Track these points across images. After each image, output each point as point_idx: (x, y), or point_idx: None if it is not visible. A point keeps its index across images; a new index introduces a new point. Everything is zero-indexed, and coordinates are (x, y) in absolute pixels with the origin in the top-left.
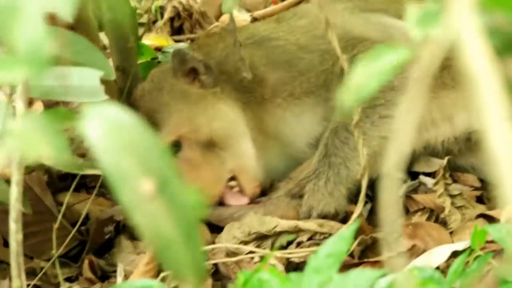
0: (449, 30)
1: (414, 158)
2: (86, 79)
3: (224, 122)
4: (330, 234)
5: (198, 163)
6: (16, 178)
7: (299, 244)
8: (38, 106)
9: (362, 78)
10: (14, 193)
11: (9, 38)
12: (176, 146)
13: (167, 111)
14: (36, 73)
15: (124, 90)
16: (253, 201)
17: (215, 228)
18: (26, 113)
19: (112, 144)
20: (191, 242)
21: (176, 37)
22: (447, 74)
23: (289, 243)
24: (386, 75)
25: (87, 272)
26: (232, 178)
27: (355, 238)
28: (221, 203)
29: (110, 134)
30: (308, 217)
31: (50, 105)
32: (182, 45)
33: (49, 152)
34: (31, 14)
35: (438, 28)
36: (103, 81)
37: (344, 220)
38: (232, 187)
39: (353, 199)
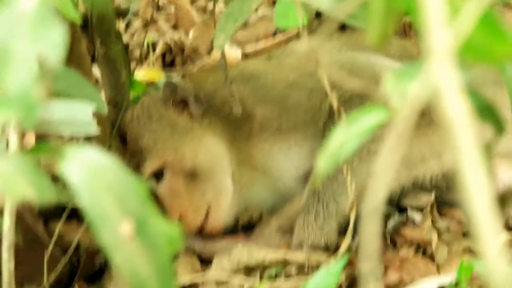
0: (428, 85)
1: (402, 193)
2: (78, 112)
3: (207, 155)
4: (318, 266)
5: (180, 192)
6: (9, 208)
7: (287, 276)
8: (30, 137)
9: (340, 141)
10: (7, 223)
11: (1, 80)
12: (160, 174)
13: (154, 138)
14: (26, 115)
15: (116, 124)
16: (245, 235)
17: (205, 261)
18: (18, 148)
19: (92, 186)
20: (166, 283)
21: (168, 71)
22: (434, 112)
23: (278, 274)
24: (363, 137)
25: None
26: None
27: (343, 271)
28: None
29: (90, 176)
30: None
31: (42, 136)
32: (174, 75)
33: (32, 193)
34: (22, 57)
35: (416, 84)
36: (95, 115)
37: (335, 253)
38: None
39: (343, 232)
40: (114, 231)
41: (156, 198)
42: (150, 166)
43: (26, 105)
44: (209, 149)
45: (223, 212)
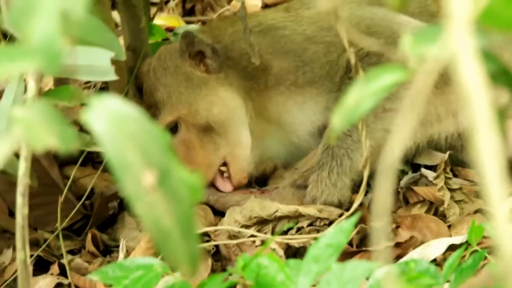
0: (446, 50)
1: (417, 151)
2: (97, 59)
3: (223, 109)
4: (330, 221)
5: (194, 146)
6: (25, 153)
7: (299, 230)
8: (49, 80)
9: (355, 100)
10: (22, 168)
11: (25, 32)
12: (174, 127)
13: (168, 92)
14: (50, 64)
15: (134, 69)
16: (260, 189)
17: (219, 212)
18: (36, 93)
19: (116, 136)
20: (188, 233)
21: (187, 19)
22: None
23: (290, 228)
24: (379, 96)
25: (89, 246)
26: (224, 164)
27: (355, 226)
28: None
29: (114, 125)
30: None
31: (60, 80)
32: (192, 26)
33: (55, 141)
34: (47, 6)
35: (434, 47)
36: (113, 61)
37: (348, 209)
38: (222, 172)
39: (356, 189)
40: (137, 181)
41: None
42: (164, 120)
43: (51, 54)
44: (225, 101)
45: (243, 164)
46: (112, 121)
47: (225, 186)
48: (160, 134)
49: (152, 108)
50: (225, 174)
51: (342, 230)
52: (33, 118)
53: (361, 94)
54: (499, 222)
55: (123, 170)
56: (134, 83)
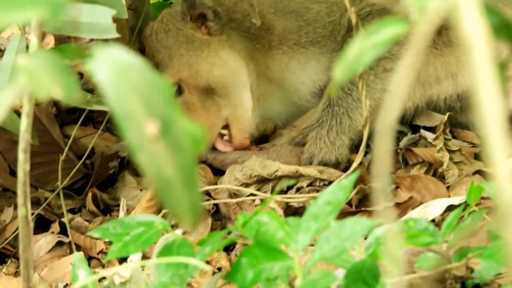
0: (447, 2)
1: (416, 113)
2: (99, 16)
3: (224, 70)
4: (329, 181)
5: (196, 108)
6: (27, 109)
7: (298, 190)
8: (50, 40)
9: (357, 52)
10: (24, 124)
11: None
12: (177, 90)
13: (170, 54)
14: (52, 16)
15: (135, 29)
16: (257, 147)
17: (218, 171)
18: (39, 48)
19: (119, 85)
20: (190, 184)
21: None
22: (452, 32)
23: (289, 188)
24: (380, 48)
25: (90, 205)
26: (225, 127)
27: (354, 187)
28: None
29: (117, 75)
30: (309, 164)
31: (61, 39)
32: None
33: (59, 90)
34: None
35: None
36: (115, 20)
37: (346, 169)
38: (223, 135)
39: (355, 149)
40: (140, 131)
41: None
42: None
43: (53, 4)
44: (227, 63)
45: (245, 125)
46: (116, 71)
47: (225, 148)
48: (164, 84)
49: (154, 67)
50: (225, 137)
51: (341, 188)
52: (37, 67)
53: (363, 46)
54: (500, 181)
55: (126, 120)
56: (136, 45)
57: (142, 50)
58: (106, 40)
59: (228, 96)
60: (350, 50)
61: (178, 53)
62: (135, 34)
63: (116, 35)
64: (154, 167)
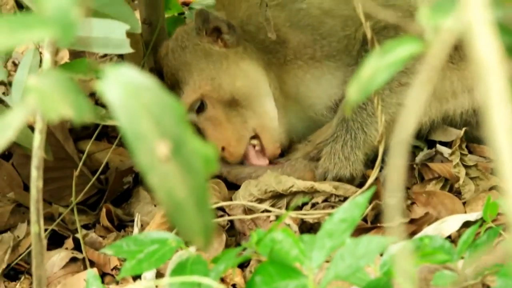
0: (461, 21)
1: (432, 127)
2: (112, 31)
3: (246, 81)
4: (345, 197)
5: (221, 122)
6: (40, 126)
7: (314, 205)
8: (64, 54)
9: (371, 71)
10: (37, 141)
11: (40, 2)
12: (200, 106)
13: (190, 70)
14: (64, 34)
15: (150, 43)
16: (272, 162)
17: (232, 186)
18: (52, 64)
19: (130, 106)
20: (202, 204)
21: None
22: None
23: (304, 203)
24: (395, 68)
25: (104, 220)
26: (254, 137)
27: (370, 202)
28: (240, 162)
29: (128, 95)
30: (323, 179)
31: (76, 53)
32: (208, 1)
33: (69, 110)
34: None
35: (449, 19)
36: (129, 34)
37: (361, 185)
38: (254, 146)
39: (370, 164)
40: (151, 152)
41: (197, 131)
42: (188, 98)
43: (64, 24)
44: (247, 73)
45: (274, 135)
46: (127, 91)
47: (259, 159)
48: (175, 104)
49: (175, 89)
50: (257, 148)
51: (356, 205)
52: (48, 88)
53: (377, 66)
54: (510, 197)
55: (137, 140)
56: (151, 60)
57: (159, 70)
58: (120, 55)
59: (253, 107)
60: (364, 69)
61: (198, 68)
62: (149, 48)
63: (130, 50)
64: (166, 187)
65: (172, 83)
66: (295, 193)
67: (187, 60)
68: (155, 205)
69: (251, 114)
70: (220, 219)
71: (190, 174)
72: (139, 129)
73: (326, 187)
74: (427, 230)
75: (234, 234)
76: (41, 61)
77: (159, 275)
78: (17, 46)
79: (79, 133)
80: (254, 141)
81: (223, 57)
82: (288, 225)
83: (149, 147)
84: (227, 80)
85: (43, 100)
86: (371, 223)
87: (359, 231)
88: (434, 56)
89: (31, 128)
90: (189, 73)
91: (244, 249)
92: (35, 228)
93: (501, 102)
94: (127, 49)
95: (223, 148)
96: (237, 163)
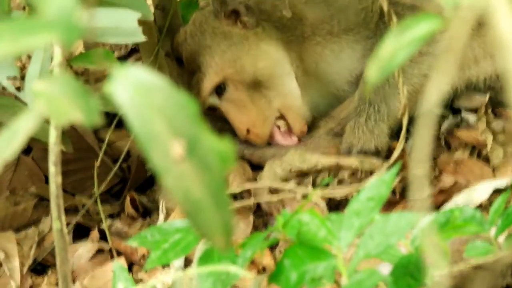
0: None
1: (456, 95)
2: (123, 20)
3: (268, 61)
4: (371, 171)
5: (245, 104)
6: (55, 122)
7: (340, 181)
8: (79, 44)
9: (391, 50)
10: (53, 137)
11: (42, 4)
12: (222, 89)
13: (211, 54)
14: (67, 37)
15: (163, 29)
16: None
17: (257, 167)
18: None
19: (141, 106)
20: (220, 203)
21: None
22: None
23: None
24: (415, 46)
25: (128, 209)
26: (279, 118)
27: (397, 175)
28: (268, 143)
29: (139, 96)
30: (348, 154)
31: (90, 44)
32: None
33: (79, 114)
34: None
35: None
36: (142, 21)
37: (387, 158)
38: (279, 127)
39: (394, 136)
40: (165, 152)
41: (221, 115)
42: (210, 82)
43: (67, 26)
44: (269, 54)
45: (300, 113)
46: (137, 92)
47: (287, 139)
48: (187, 102)
49: (196, 74)
50: (282, 128)
51: (383, 182)
52: (56, 92)
53: (397, 44)
54: None
55: (150, 141)
56: (166, 45)
57: (178, 58)
58: (135, 43)
59: (276, 87)
60: (383, 48)
61: (219, 50)
62: (163, 33)
63: (143, 38)
64: (182, 188)
65: (192, 69)
66: (320, 171)
67: (207, 43)
68: None
69: (274, 94)
70: (246, 202)
71: (207, 172)
72: (152, 130)
73: (352, 162)
74: (457, 200)
75: (261, 215)
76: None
77: (187, 261)
78: (18, 59)
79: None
80: (279, 122)
81: (243, 39)
82: (316, 203)
83: (163, 148)
84: (249, 61)
85: (51, 105)
86: (399, 195)
87: (387, 204)
88: (455, 31)
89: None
90: (210, 56)
91: (272, 231)
92: (57, 224)
93: None
94: (140, 37)
95: (248, 131)
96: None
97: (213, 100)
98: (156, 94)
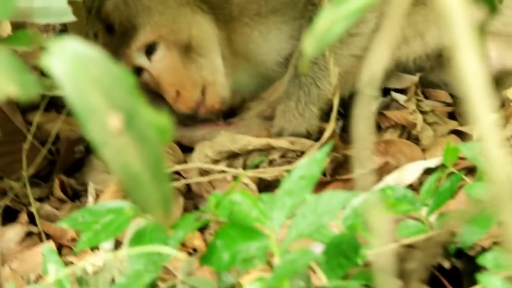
0: None
1: (385, 76)
2: (54, 0)
3: (200, 31)
4: (302, 152)
5: (176, 66)
6: None
7: (271, 162)
8: (6, 27)
9: (327, 23)
10: None
11: None
12: (152, 49)
13: (148, 14)
14: (2, 7)
15: (92, 9)
16: (225, 122)
17: (187, 148)
18: None
19: (78, 79)
20: (159, 176)
21: None
22: None
23: (261, 161)
24: (352, 19)
25: (57, 192)
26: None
27: (328, 155)
28: (191, 124)
29: (75, 69)
30: (279, 138)
31: (18, 25)
32: None
33: (15, 88)
34: None
35: None
36: (71, 2)
37: (318, 139)
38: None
39: (325, 117)
40: (103, 126)
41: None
42: (143, 39)
43: None
44: (201, 25)
45: (220, 89)
46: (73, 65)
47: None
48: (124, 75)
49: (128, 33)
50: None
51: (315, 161)
52: None
53: (332, 17)
54: (485, 141)
55: (87, 115)
56: (95, 26)
57: (109, 26)
58: (64, 24)
59: (206, 57)
60: (319, 22)
61: (157, 11)
62: (92, 14)
63: (73, 18)
64: (120, 161)
65: (125, 30)
66: (250, 152)
67: (145, 4)
68: (108, 173)
69: (204, 63)
70: (176, 183)
71: (145, 145)
72: (89, 103)
73: (282, 143)
74: (388, 180)
75: (191, 197)
76: None
77: (118, 243)
78: None
79: (27, 105)
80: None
81: (180, 5)
82: (247, 184)
83: (100, 121)
84: (185, 25)
85: None
86: (330, 176)
87: (318, 185)
88: (393, 11)
89: None
90: (148, 16)
91: (203, 212)
92: None
93: (467, 44)
94: (70, 18)
95: (178, 93)
96: (189, 113)
97: (143, 61)
98: (93, 67)
